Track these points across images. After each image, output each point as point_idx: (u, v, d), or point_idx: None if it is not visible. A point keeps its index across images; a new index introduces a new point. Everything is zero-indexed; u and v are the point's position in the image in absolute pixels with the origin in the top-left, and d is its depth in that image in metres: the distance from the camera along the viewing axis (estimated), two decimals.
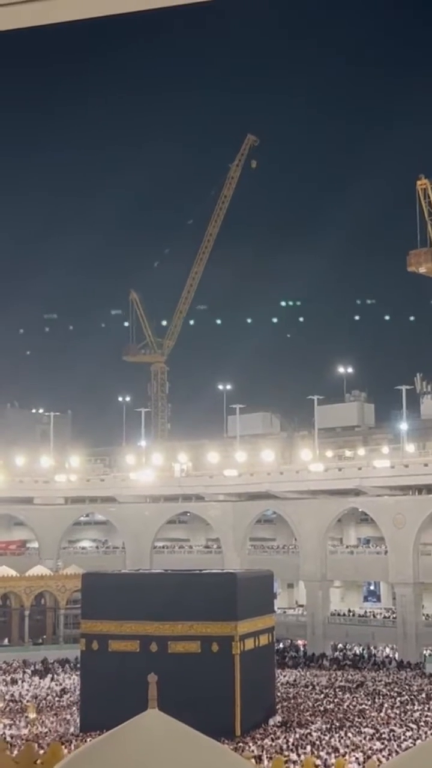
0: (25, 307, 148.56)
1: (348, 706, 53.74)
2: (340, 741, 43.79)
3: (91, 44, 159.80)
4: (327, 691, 59.24)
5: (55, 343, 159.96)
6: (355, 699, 55.94)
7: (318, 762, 37.58)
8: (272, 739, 44.69)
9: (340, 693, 58.36)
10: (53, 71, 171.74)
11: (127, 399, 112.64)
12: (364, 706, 53.59)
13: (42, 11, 4.26)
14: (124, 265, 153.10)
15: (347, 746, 42.40)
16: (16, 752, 32.02)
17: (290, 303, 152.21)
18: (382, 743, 42.73)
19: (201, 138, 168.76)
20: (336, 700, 55.63)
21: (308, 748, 42.10)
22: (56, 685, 62.27)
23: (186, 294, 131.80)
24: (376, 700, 55.46)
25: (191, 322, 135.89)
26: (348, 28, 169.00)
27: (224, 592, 49.42)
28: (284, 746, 42.67)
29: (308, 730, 46.66)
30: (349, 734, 45.34)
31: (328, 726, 47.61)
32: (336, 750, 41.51)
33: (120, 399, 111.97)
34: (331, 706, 53.88)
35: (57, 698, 57.31)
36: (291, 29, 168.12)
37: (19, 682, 63.37)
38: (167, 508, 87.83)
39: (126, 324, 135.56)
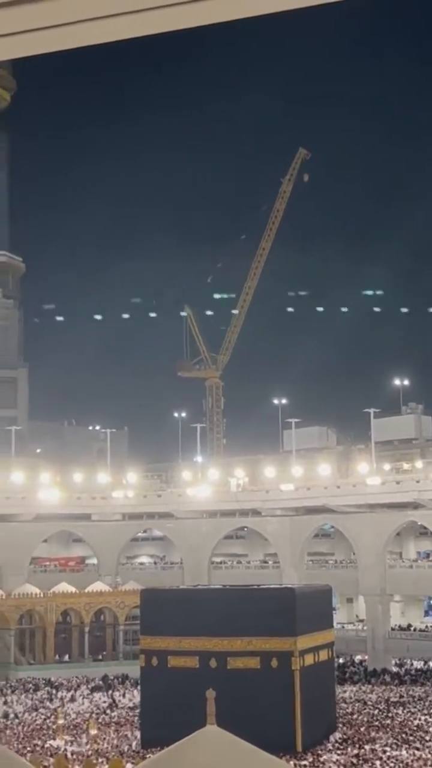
0: (81, 326, 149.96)
1: (410, 721, 53.14)
2: (406, 756, 43.30)
3: (150, 60, 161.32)
4: (388, 706, 58.65)
5: (111, 360, 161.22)
6: (417, 714, 55.30)
7: None
8: (338, 754, 44.36)
9: (402, 708, 57.74)
10: (116, 82, 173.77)
11: (183, 415, 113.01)
12: (426, 720, 52.95)
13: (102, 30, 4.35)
14: (178, 281, 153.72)
15: (414, 761, 41.90)
16: None
17: (345, 317, 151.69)
18: None
19: (253, 153, 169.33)
20: (398, 715, 55.05)
21: (377, 763, 41.67)
22: (117, 701, 62.44)
23: (240, 308, 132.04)
24: None
25: (246, 337, 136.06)
26: (403, 39, 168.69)
27: (283, 607, 49.19)
28: (348, 762, 42.32)
29: (372, 746, 46.22)
30: (414, 749, 44.83)
31: (392, 741, 47.12)
32: (406, 765, 41.03)
33: (176, 415, 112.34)
34: (392, 721, 53.33)
35: (117, 714, 57.45)
36: (344, 41, 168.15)
37: (80, 698, 63.65)
38: (224, 523, 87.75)
39: (181, 340, 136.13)
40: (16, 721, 55.59)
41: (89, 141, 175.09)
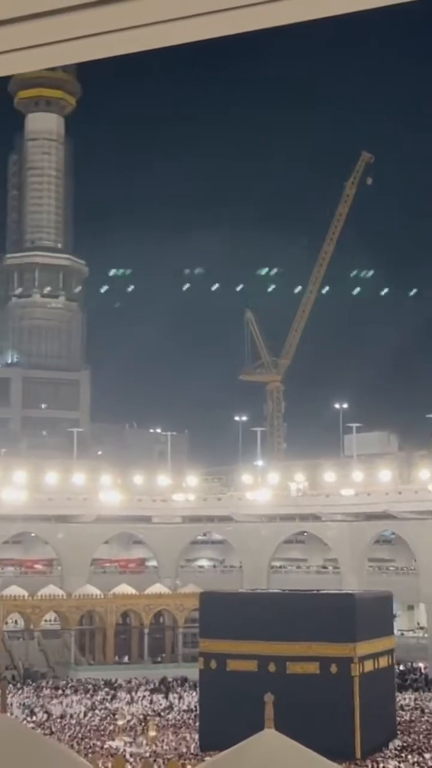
0: (141, 329, 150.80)
1: None
2: None
3: (212, 61, 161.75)
4: None
5: (173, 363, 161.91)
6: None
7: None
8: (397, 762, 43.98)
9: None
10: (178, 85, 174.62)
11: (244, 418, 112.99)
12: None
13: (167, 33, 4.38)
14: (239, 285, 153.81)
15: None
16: None
17: (407, 320, 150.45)
18: None
19: (314, 157, 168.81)
20: None
21: None
22: (175, 703, 62.59)
23: (301, 313, 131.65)
24: None
25: (307, 341, 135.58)
26: None
27: (343, 613, 48.91)
28: None
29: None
30: None
31: None
32: None
33: (236, 418, 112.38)
34: None
35: (176, 717, 57.60)
36: (405, 45, 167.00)
37: (139, 700, 63.94)
38: (284, 527, 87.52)
39: (242, 344, 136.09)
40: (75, 721, 55.99)
41: (151, 145, 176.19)
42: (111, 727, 52.79)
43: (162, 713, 58.75)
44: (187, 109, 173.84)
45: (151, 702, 63.17)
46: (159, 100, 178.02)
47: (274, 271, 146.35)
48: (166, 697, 64.55)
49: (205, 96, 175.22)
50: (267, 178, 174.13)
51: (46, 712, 58.45)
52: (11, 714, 51.44)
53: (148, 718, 55.60)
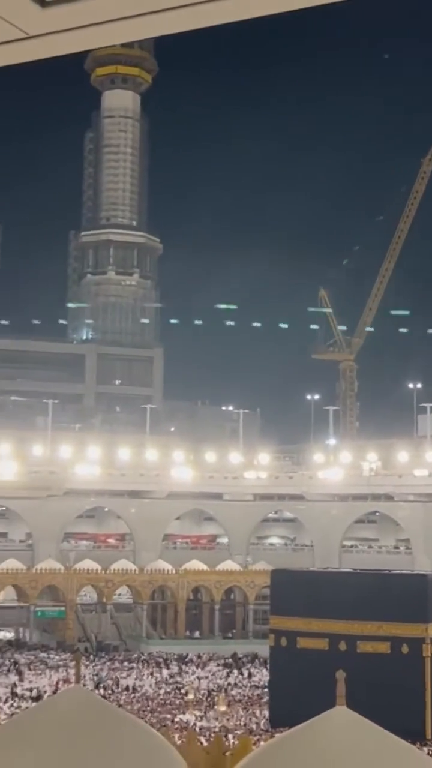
0: (214, 307, 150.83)
1: None
2: None
3: (290, 39, 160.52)
4: None
5: (245, 341, 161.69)
6: None
7: None
8: None
9: None
10: (254, 66, 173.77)
11: (316, 397, 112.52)
12: None
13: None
14: (313, 263, 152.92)
15: None
16: (206, 743, 32.63)
17: None
18: None
19: (391, 134, 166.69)
20: None
21: None
22: (246, 679, 62.95)
23: (376, 291, 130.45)
24: None
25: (381, 320, 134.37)
26: None
27: (415, 593, 48.57)
28: None
29: None
30: None
31: None
32: None
33: (308, 397, 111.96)
34: None
35: (246, 692, 57.93)
36: None
37: (210, 674, 64.44)
38: (356, 507, 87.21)
39: (315, 322, 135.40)
40: (146, 694, 56.67)
41: (225, 123, 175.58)
42: (181, 701, 53.32)
43: (232, 688, 59.13)
44: (260, 89, 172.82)
45: (221, 677, 63.61)
46: (232, 81, 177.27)
47: (350, 249, 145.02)
48: (237, 673, 64.95)
49: (274, 75, 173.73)
50: (343, 156, 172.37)
51: (118, 684, 59.26)
52: (84, 685, 52.28)
53: (219, 693, 56.01)
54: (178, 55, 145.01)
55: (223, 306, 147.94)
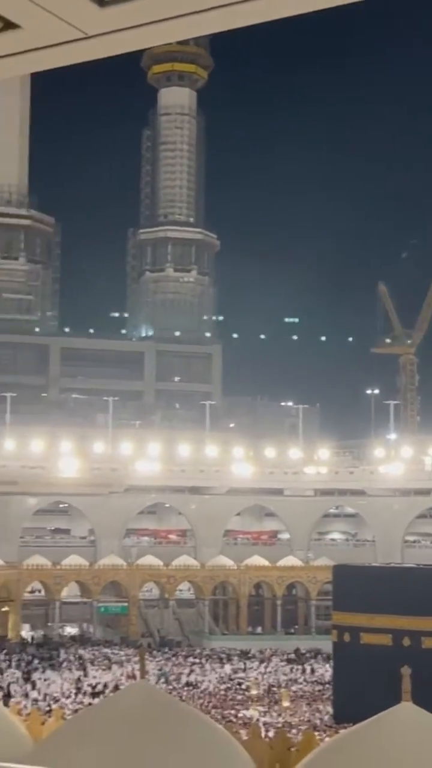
0: (273, 302, 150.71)
1: None
2: None
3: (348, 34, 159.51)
4: None
5: (304, 336, 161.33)
6: None
7: None
8: None
9: None
10: (312, 61, 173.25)
11: (376, 391, 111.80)
12: None
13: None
14: (371, 257, 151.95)
15: None
16: (270, 739, 32.62)
17: None
18: None
19: None
20: None
21: None
22: (309, 675, 62.83)
23: None
24: None
25: None
26: None
27: None
28: None
29: None
30: None
31: None
32: None
33: (368, 391, 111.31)
34: None
35: (309, 688, 57.82)
36: None
37: (272, 670, 64.42)
38: (417, 502, 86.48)
39: (374, 316, 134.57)
40: (209, 689, 56.82)
41: (281, 119, 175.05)
42: (244, 697, 53.38)
43: (295, 684, 59.07)
44: (318, 85, 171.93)
45: (284, 673, 63.57)
46: (290, 73, 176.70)
47: (407, 242, 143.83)
48: (300, 669, 64.85)
49: (336, 70, 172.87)
50: (396, 149, 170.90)
51: (181, 680, 59.50)
52: (148, 681, 52.52)
53: (282, 688, 56.00)
54: (235, 51, 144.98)
55: (281, 302, 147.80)
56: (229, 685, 58.20)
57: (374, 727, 11.47)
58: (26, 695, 52.82)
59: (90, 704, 44.65)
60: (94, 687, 55.33)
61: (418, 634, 47.06)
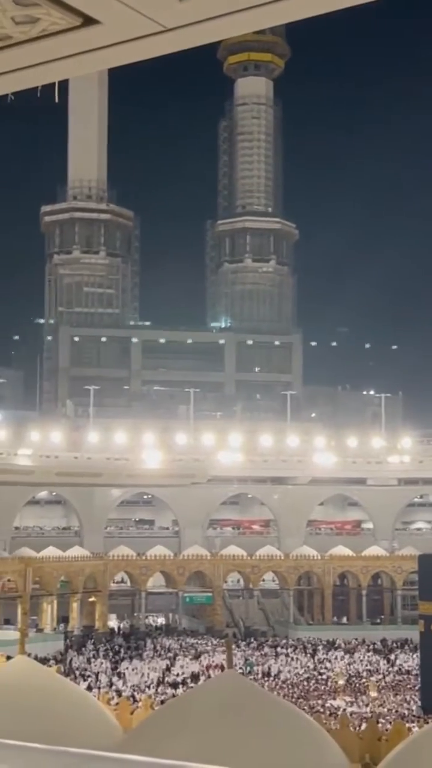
0: (354, 291, 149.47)
1: None
2: None
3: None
4: None
5: (386, 325, 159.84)
6: None
7: None
8: None
9: None
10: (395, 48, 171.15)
11: None
12: None
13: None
14: None
15: None
16: (358, 729, 32.52)
17: None
18: None
19: None
20: None
21: None
22: (396, 665, 62.36)
23: None
24: None
25: None
26: None
27: None
28: None
29: None
30: None
31: None
32: None
33: None
34: None
35: (397, 678, 57.40)
36: None
37: (359, 660, 64.12)
38: None
39: None
40: (296, 679, 56.79)
41: (361, 108, 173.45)
42: (331, 687, 53.24)
43: (382, 674, 58.71)
44: (402, 72, 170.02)
45: (371, 663, 63.21)
46: (370, 62, 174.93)
47: None
48: (387, 659, 64.43)
49: (416, 60, 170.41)
50: None
51: (267, 670, 59.59)
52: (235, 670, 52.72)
53: (369, 678, 55.71)
54: (311, 38, 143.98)
55: (362, 290, 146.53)
56: (315, 675, 58.12)
57: None
58: (113, 685, 53.45)
59: (174, 695, 45.02)
60: (180, 677, 55.74)
61: None
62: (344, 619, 79.50)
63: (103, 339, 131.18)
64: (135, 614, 78.16)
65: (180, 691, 48.69)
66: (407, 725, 39.67)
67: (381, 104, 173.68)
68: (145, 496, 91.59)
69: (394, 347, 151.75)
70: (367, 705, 48.33)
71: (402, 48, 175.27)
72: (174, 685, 52.99)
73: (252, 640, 71.37)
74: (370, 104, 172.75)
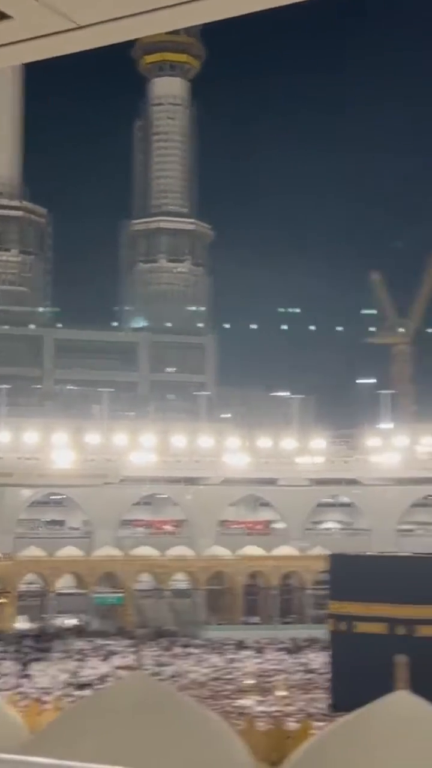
0: (267, 293, 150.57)
1: None
2: None
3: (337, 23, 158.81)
4: None
5: (298, 327, 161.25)
6: None
7: None
8: None
9: None
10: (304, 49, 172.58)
11: (372, 381, 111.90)
12: None
13: None
14: (365, 247, 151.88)
15: None
16: (266, 728, 32.73)
17: None
18: None
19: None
20: None
21: None
22: (305, 664, 62.95)
23: (430, 273, 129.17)
24: None
25: None
26: None
27: None
28: None
29: None
30: None
31: None
32: None
33: (364, 381, 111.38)
34: None
35: (306, 677, 57.94)
36: None
37: (268, 660, 64.54)
38: (413, 490, 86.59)
39: (368, 307, 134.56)
40: (204, 679, 56.93)
41: (277, 108, 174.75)
42: (240, 687, 53.48)
43: (291, 673, 59.19)
44: (314, 73, 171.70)
45: (280, 662, 63.69)
46: (285, 63, 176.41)
47: (402, 232, 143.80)
48: (296, 658, 64.98)
49: (333, 57, 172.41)
50: (396, 145, 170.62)
51: (177, 670, 59.60)
52: (144, 671, 52.60)
53: (278, 678, 56.12)
54: (228, 40, 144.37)
55: (274, 292, 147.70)
56: (224, 675, 58.31)
57: (369, 715, 11.55)
58: (21, 687, 52.88)
59: (82, 696, 44.75)
60: (89, 678, 55.42)
61: (413, 623, 47.18)
62: (255, 619, 79.89)
63: (15, 337, 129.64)
64: (44, 616, 77.41)
65: (89, 692, 48.41)
66: (316, 724, 40.08)
67: (296, 109, 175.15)
68: (57, 497, 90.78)
69: (308, 349, 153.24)
70: (275, 704, 48.68)
71: (321, 53, 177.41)
72: (83, 687, 52.66)
73: (163, 640, 71.30)
74: (286, 108, 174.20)
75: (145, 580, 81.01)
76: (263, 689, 52.97)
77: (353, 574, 51.15)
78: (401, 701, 11.65)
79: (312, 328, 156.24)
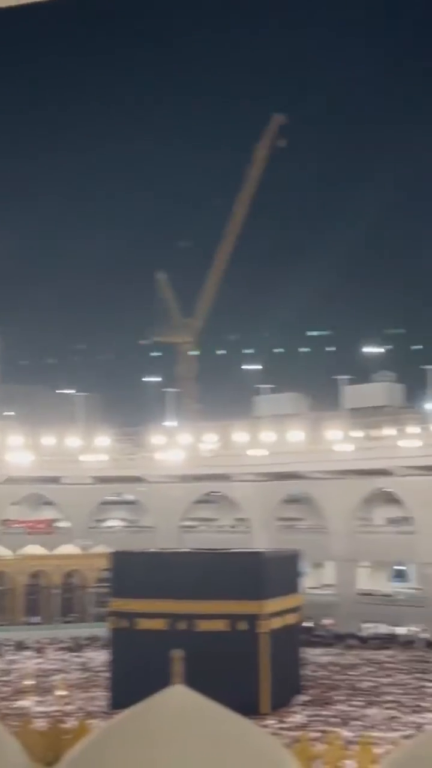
0: (53, 286, 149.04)
1: (374, 684, 54.01)
2: (367, 718, 44.09)
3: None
4: (354, 670, 59.50)
5: (86, 324, 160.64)
6: (380, 677, 56.22)
7: (345, 738, 37.77)
8: (302, 716, 45.03)
9: (367, 671, 58.63)
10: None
11: (157, 380, 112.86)
12: (389, 683, 53.87)
13: None
14: (150, 245, 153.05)
15: (374, 724, 42.66)
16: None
17: (320, 282, 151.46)
18: (412, 720, 42.98)
19: (226, 119, 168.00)
20: (363, 679, 55.90)
21: (335, 725, 42.41)
22: (86, 663, 62.80)
23: (214, 274, 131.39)
24: (400, 678, 55.85)
25: (220, 303, 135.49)
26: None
27: (251, 570, 49.65)
28: (311, 723, 42.92)
29: (335, 707, 47.03)
30: (378, 711, 45.70)
31: (357, 704, 47.98)
32: (364, 727, 41.79)
33: (148, 380, 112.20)
34: (361, 684, 54.18)
35: (86, 676, 57.81)
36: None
37: (49, 659, 63.98)
38: (195, 487, 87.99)
39: (153, 305, 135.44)
40: None
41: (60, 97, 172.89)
42: (19, 687, 52.75)
43: (72, 672, 58.90)
44: (74, 66, 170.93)
45: (61, 662, 63.26)
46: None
47: (187, 231, 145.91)
48: (77, 657, 64.72)
49: (91, 55, 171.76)
50: (176, 143, 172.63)
51: None
52: None
53: (58, 677, 55.69)
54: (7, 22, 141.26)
55: (61, 287, 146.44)
56: (2, 677, 57.35)
57: (145, 710, 11.64)
58: None
59: None
60: None
61: (193, 617, 48.02)
62: (36, 619, 78.86)
63: None
64: None
65: None
66: (95, 722, 40.02)
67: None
68: None
69: (82, 346, 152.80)
70: (55, 703, 48.30)
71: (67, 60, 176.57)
72: None
73: None
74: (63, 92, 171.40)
75: None
76: (43, 689, 52.44)
77: (135, 571, 51.49)
78: (177, 695, 11.79)
79: (97, 324, 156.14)
